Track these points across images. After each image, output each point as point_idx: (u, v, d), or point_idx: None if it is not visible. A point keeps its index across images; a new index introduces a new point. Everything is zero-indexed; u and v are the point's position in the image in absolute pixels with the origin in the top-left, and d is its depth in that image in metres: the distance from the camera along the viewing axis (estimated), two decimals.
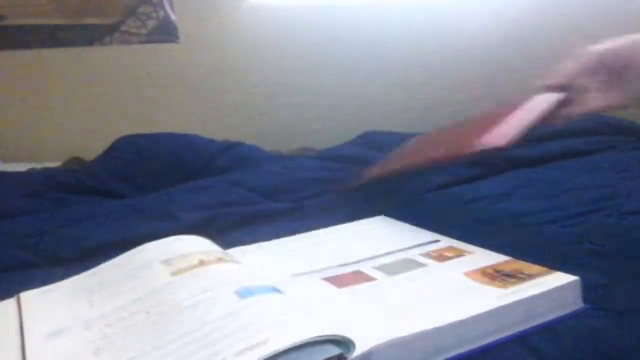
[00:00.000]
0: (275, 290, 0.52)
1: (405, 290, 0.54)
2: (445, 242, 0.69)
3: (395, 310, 0.50)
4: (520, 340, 0.48)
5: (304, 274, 0.60)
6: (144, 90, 1.64)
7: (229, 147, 1.27)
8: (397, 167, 0.86)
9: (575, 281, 0.52)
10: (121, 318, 0.51)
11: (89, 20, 1.59)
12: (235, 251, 0.68)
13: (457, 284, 0.55)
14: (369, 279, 0.57)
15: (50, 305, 0.57)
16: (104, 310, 0.53)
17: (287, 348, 0.41)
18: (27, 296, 0.59)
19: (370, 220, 0.81)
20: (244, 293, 0.50)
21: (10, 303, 0.58)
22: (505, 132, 0.64)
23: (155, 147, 1.25)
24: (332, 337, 0.43)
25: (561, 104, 0.70)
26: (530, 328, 0.49)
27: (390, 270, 0.59)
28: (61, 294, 0.59)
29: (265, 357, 0.40)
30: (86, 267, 0.64)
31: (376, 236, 0.74)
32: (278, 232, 0.76)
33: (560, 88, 0.71)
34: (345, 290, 0.55)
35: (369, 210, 0.86)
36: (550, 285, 0.51)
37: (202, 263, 0.57)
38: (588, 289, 0.54)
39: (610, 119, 1.32)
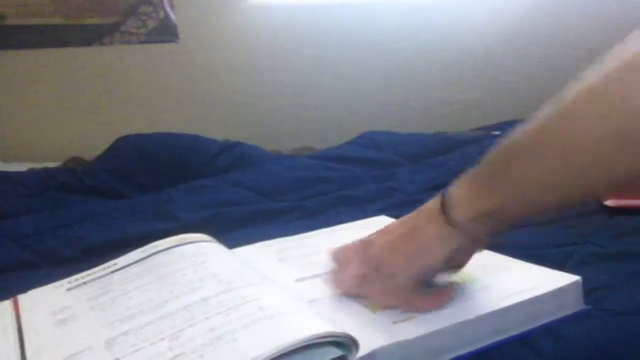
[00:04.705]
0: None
1: None
2: None
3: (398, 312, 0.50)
4: (523, 340, 0.48)
5: (307, 279, 0.60)
6: (144, 90, 1.64)
7: (229, 147, 1.27)
8: None
9: (576, 282, 0.52)
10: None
11: (89, 20, 1.59)
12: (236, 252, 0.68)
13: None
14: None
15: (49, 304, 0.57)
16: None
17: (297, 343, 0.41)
18: (26, 296, 0.59)
19: (370, 220, 0.81)
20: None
21: (8, 303, 0.57)
22: None
23: (155, 147, 1.25)
24: (337, 338, 0.42)
25: None
26: (532, 329, 0.49)
27: None
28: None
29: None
30: (86, 267, 0.64)
31: None
32: (278, 232, 0.75)
33: None
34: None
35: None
36: (552, 286, 0.51)
37: None
38: (590, 290, 0.54)
39: None
